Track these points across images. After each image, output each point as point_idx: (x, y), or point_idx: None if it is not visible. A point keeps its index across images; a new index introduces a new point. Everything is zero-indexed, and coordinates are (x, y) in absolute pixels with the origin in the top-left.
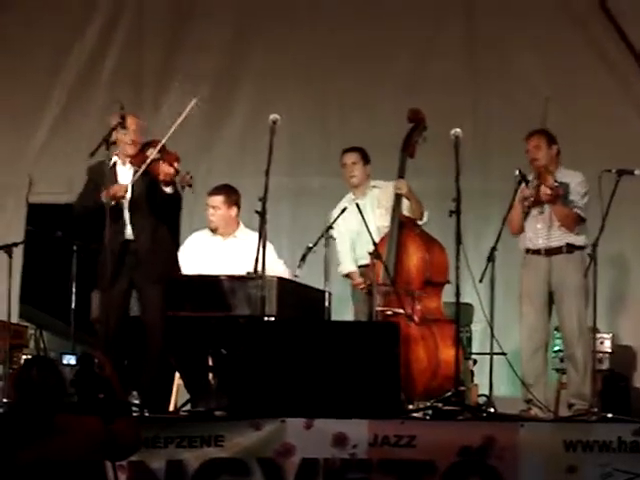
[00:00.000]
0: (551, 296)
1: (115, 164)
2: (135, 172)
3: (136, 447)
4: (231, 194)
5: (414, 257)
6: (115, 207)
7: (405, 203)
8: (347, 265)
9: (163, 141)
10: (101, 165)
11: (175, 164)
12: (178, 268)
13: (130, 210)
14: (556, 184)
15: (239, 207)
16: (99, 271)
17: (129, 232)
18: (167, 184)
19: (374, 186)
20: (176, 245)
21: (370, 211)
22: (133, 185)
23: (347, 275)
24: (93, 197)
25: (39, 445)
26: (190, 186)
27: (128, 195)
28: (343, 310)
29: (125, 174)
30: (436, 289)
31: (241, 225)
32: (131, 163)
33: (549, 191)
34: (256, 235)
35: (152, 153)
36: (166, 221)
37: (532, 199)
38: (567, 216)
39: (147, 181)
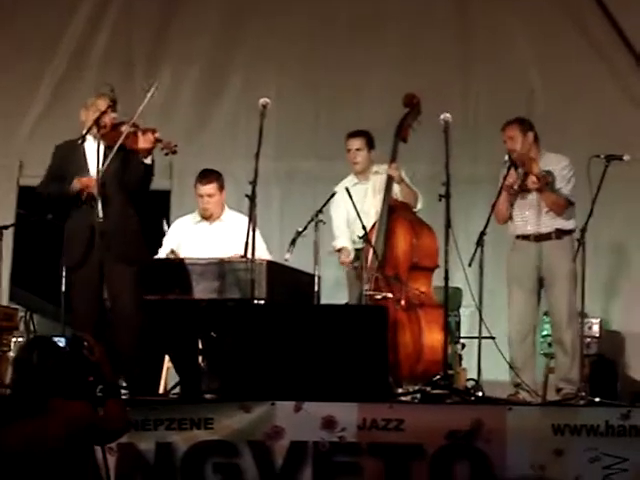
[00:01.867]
0: (540, 281)
1: (84, 141)
2: (107, 147)
3: (124, 429)
4: (220, 178)
5: (401, 241)
6: (80, 198)
7: (397, 188)
8: (342, 240)
9: (134, 118)
10: (69, 144)
11: (155, 134)
12: (146, 251)
13: (100, 187)
14: (543, 173)
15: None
16: (67, 250)
17: (100, 210)
18: (146, 154)
19: (377, 171)
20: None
21: (371, 195)
22: (105, 162)
23: (339, 250)
24: (58, 184)
25: (28, 427)
26: (174, 153)
27: (98, 172)
28: (332, 294)
29: (94, 149)
30: (425, 273)
31: (226, 207)
32: (102, 137)
33: (535, 179)
34: (241, 217)
35: (126, 128)
36: (143, 199)
37: (517, 187)
38: (555, 202)
39: (121, 157)
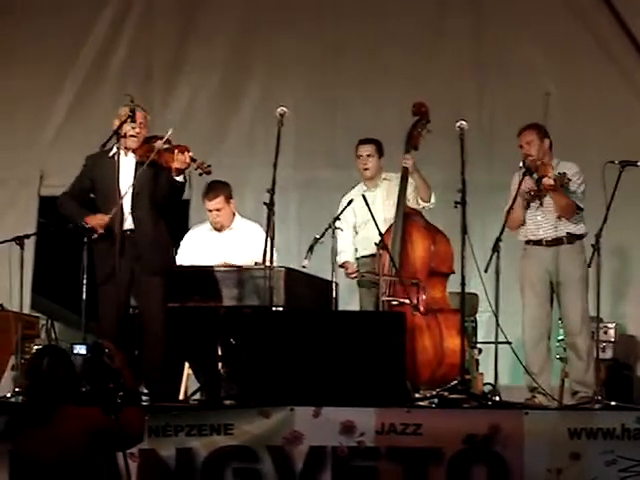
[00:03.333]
0: (553, 286)
1: (115, 155)
2: (139, 162)
3: (141, 437)
4: (226, 190)
5: (419, 247)
6: (92, 239)
7: (411, 185)
8: (344, 255)
9: (166, 137)
10: (101, 155)
11: (189, 153)
12: (175, 260)
13: (132, 201)
14: (558, 174)
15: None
16: (97, 262)
17: (130, 223)
18: (179, 173)
19: (385, 178)
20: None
21: (380, 202)
22: (136, 176)
23: (342, 265)
24: (76, 207)
25: (42, 434)
26: (209, 173)
27: (129, 186)
28: (350, 300)
29: (128, 165)
30: (441, 279)
31: (237, 215)
32: (134, 153)
33: (552, 181)
34: (252, 224)
35: (159, 144)
36: (170, 212)
37: (533, 193)
38: (567, 205)
39: (152, 173)
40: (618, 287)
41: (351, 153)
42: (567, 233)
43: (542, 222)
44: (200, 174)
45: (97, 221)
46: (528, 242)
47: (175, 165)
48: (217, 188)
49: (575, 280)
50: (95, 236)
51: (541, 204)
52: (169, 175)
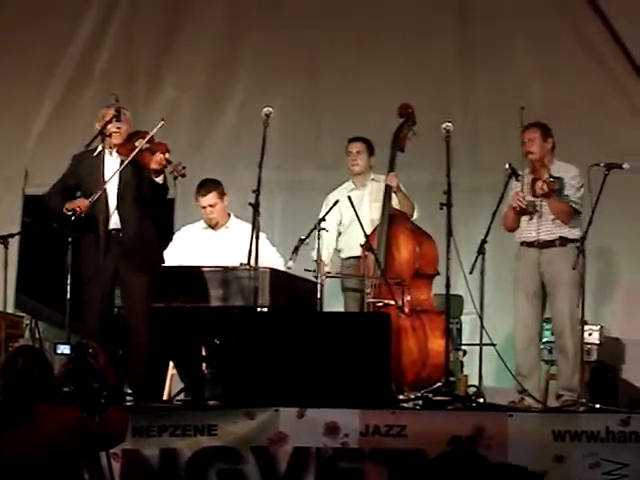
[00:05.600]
0: (544, 288)
1: (100, 153)
2: (122, 162)
3: (123, 437)
4: (219, 186)
5: (404, 249)
6: (72, 221)
7: (395, 198)
8: (321, 252)
9: (151, 134)
10: (87, 154)
11: (167, 154)
12: (162, 259)
13: (117, 199)
14: (551, 179)
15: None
16: (82, 261)
17: (115, 221)
18: (157, 174)
19: (373, 179)
20: (165, 242)
21: (367, 203)
22: (120, 175)
23: (315, 261)
24: (61, 199)
25: (15, 433)
26: (183, 176)
27: (115, 184)
28: (334, 301)
29: (112, 163)
30: (426, 281)
31: (232, 216)
32: (118, 152)
33: (545, 186)
34: (247, 225)
35: (140, 143)
36: (154, 212)
37: (525, 206)
38: (562, 210)
39: (135, 171)
40: (603, 289)
41: (336, 154)
42: (560, 236)
43: (536, 224)
44: (175, 177)
45: (77, 203)
46: (522, 243)
47: (152, 166)
48: (209, 184)
49: (564, 283)
50: (74, 218)
51: (536, 210)
52: (148, 174)
